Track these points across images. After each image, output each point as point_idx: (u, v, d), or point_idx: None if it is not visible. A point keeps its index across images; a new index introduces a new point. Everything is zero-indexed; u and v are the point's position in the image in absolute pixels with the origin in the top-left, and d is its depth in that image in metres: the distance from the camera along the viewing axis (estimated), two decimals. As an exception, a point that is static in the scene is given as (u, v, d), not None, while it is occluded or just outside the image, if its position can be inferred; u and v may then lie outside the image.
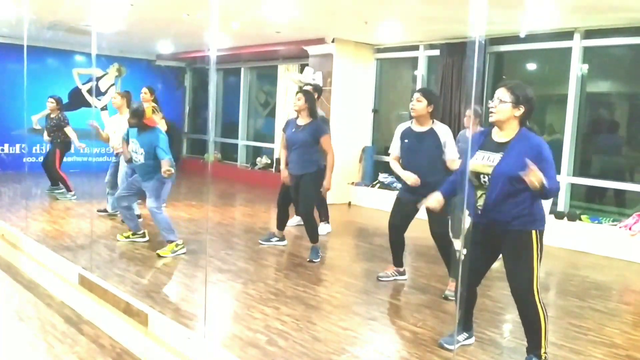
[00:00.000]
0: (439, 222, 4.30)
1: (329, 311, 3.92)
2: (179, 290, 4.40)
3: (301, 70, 9.36)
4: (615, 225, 6.11)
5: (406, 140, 4.36)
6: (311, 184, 5.20)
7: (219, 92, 12.52)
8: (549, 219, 6.02)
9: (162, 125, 6.23)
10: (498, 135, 3.04)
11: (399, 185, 5.23)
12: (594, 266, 5.66)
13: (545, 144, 2.93)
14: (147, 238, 5.64)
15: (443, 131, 4.29)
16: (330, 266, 5.18)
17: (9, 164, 10.28)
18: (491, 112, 3.00)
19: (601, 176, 6.84)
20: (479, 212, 3.05)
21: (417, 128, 4.33)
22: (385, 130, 9.09)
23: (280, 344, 3.30)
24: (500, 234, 3.03)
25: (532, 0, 5.46)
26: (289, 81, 9.75)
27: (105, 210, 6.78)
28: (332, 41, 8.56)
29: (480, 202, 3.03)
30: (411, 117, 4.38)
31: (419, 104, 4.25)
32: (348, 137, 8.81)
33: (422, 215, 4.38)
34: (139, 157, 5.17)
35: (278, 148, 9.90)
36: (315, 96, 5.77)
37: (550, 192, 2.82)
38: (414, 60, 8.63)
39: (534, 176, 2.72)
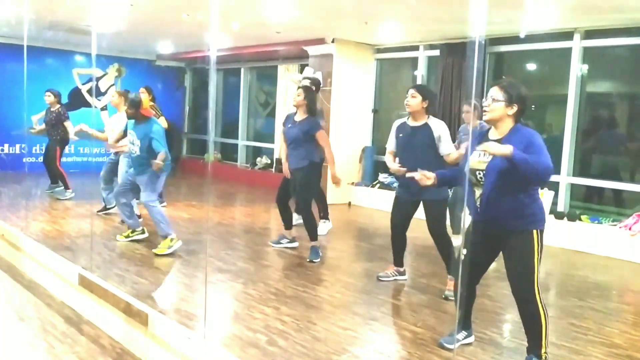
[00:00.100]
0: (436, 220, 4.33)
1: (329, 311, 3.92)
2: (179, 290, 4.40)
3: (301, 71, 9.35)
4: (615, 225, 6.11)
5: (401, 135, 4.40)
6: (304, 179, 5.24)
7: (219, 92, 12.52)
8: (549, 219, 6.04)
9: (162, 123, 6.24)
10: (494, 133, 3.06)
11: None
12: (594, 266, 5.65)
13: (537, 134, 2.93)
14: (146, 234, 5.65)
15: (437, 125, 4.30)
16: (330, 266, 5.18)
17: (9, 164, 10.28)
18: (485, 111, 3.01)
19: (601, 176, 6.84)
20: (478, 209, 3.05)
21: (412, 123, 4.36)
22: (385, 131, 9.04)
23: (280, 344, 3.30)
24: (500, 233, 3.03)
25: (532, 0, 5.46)
26: (289, 81, 9.75)
27: (104, 209, 6.79)
28: (332, 41, 8.56)
29: (479, 200, 3.04)
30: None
31: (414, 100, 4.28)
32: (348, 137, 8.82)
33: (422, 215, 4.39)
34: (135, 149, 5.22)
35: (278, 148, 9.91)
36: (312, 88, 5.79)
37: (518, 161, 2.74)
38: (414, 60, 8.63)
39: (486, 147, 2.79)
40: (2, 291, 4.07)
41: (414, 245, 5.72)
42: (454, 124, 7.33)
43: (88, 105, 11.07)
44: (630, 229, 5.90)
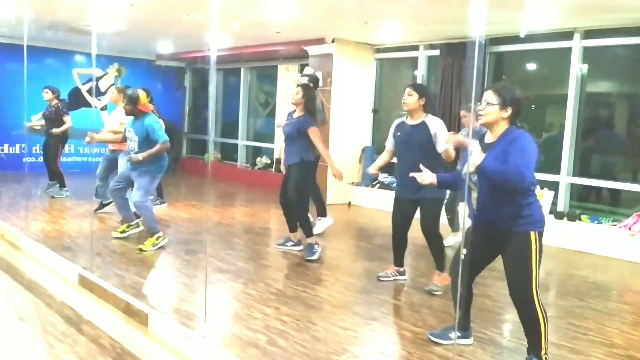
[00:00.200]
0: (431, 219, 4.40)
1: (329, 311, 3.92)
2: (179, 290, 4.40)
3: (301, 70, 9.35)
4: (615, 225, 6.11)
5: (399, 134, 4.44)
6: (295, 175, 5.28)
7: (219, 92, 12.52)
8: (549, 219, 6.04)
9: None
10: (489, 137, 3.07)
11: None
12: (594, 266, 5.65)
13: (527, 135, 2.94)
14: (141, 227, 5.66)
15: (434, 123, 4.32)
16: (330, 266, 5.18)
17: (9, 164, 10.27)
18: (479, 115, 3.02)
19: (601, 176, 6.84)
20: (475, 213, 3.06)
21: (410, 122, 4.39)
22: (385, 131, 9.02)
23: (280, 344, 3.30)
24: (499, 235, 3.04)
25: (532, 0, 5.46)
26: (289, 81, 9.75)
27: (100, 206, 6.79)
28: (332, 41, 8.56)
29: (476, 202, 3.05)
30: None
31: (410, 98, 4.31)
32: (348, 137, 8.83)
33: (417, 214, 4.41)
34: (134, 145, 5.24)
35: (278, 148, 9.91)
36: (311, 86, 5.80)
37: (487, 171, 2.83)
38: (414, 60, 8.63)
39: (472, 162, 2.83)
40: (2, 291, 4.07)
41: (414, 245, 5.71)
42: (454, 124, 7.33)
43: (88, 105, 11.07)
44: (630, 229, 5.90)
